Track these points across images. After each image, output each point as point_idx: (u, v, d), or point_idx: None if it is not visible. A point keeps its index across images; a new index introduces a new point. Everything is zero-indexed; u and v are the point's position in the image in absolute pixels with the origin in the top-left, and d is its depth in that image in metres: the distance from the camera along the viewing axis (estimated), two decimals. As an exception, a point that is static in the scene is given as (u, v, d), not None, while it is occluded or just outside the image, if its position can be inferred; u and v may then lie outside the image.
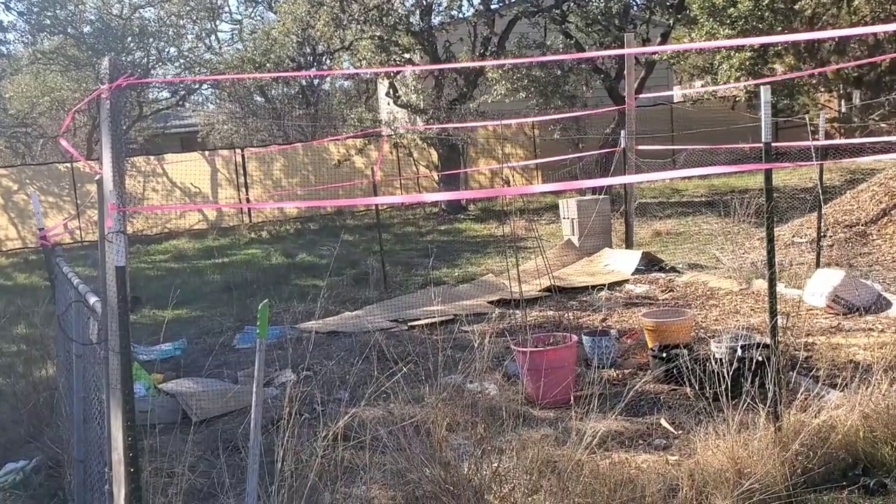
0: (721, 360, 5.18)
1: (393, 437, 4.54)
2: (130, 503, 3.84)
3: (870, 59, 15.75)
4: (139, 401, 6.13)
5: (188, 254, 18.05)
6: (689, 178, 19.93)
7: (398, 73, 20.23)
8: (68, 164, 20.98)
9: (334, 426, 4.48)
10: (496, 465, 4.49)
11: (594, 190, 15.10)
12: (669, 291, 10.14)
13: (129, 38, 25.20)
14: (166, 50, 26.93)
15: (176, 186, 22.10)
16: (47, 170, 21.71)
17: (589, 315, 9.24)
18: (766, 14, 18.13)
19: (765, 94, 4.84)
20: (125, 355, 3.87)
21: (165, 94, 29.57)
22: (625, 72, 13.85)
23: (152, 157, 22.81)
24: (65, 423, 5.75)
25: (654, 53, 19.26)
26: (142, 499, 3.87)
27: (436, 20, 20.30)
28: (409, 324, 9.37)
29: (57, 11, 24.22)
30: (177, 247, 19.06)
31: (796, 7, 17.78)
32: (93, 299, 4.37)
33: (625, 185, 12.66)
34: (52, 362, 7.56)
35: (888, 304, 8.10)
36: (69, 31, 24.49)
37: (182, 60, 27.26)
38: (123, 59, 24.34)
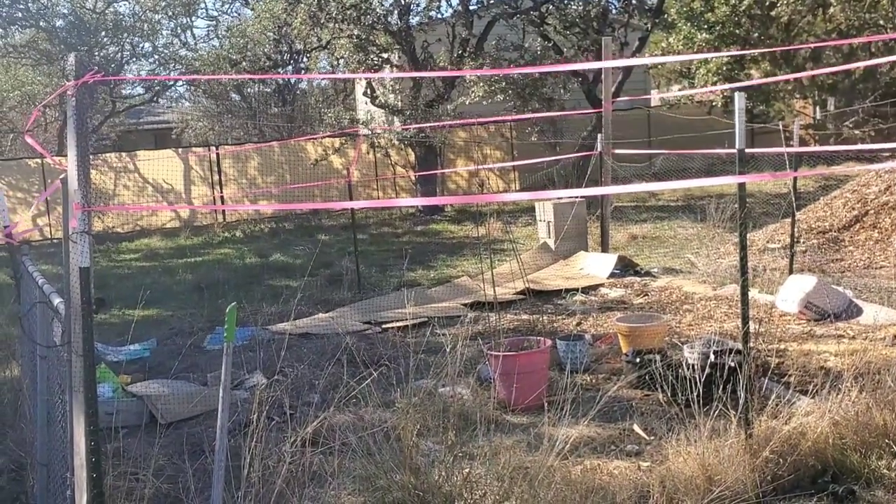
0: (693, 365, 5.17)
1: (362, 443, 4.49)
2: (92, 509, 3.75)
3: (844, 67, 15.94)
4: (105, 403, 6.03)
5: (160, 252, 17.82)
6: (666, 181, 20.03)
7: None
8: (38, 160, 20.64)
9: (303, 431, 4.42)
10: (467, 471, 4.44)
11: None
12: (644, 296, 10.16)
13: (103, 33, 24.83)
14: (141, 45, 26.60)
15: (148, 183, 21.82)
16: (17, 165, 21.37)
17: (564, 319, 9.22)
18: (743, 20, 18.31)
19: (739, 101, 4.83)
20: (88, 358, 3.78)
21: (139, 89, 29.23)
22: (602, 75, 13.87)
23: (124, 154, 22.50)
24: (28, 425, 5.62)
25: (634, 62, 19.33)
26: (104, 505, 3.78)
27: (414, 20, 20.24)
28: (383, 326, 9.31)
29: (29, 4, 23.83)
30: (148, 245, 18.82)
31: (773, 13, 17.96)
32: (57, 300, 4.27)
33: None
34: (17, 363, 7.40)
35: (859, 311, 8.16)
36: (41, 24, 24.10)
37: (157, 56, 26.94)
38: (96, 53, 23.99)
